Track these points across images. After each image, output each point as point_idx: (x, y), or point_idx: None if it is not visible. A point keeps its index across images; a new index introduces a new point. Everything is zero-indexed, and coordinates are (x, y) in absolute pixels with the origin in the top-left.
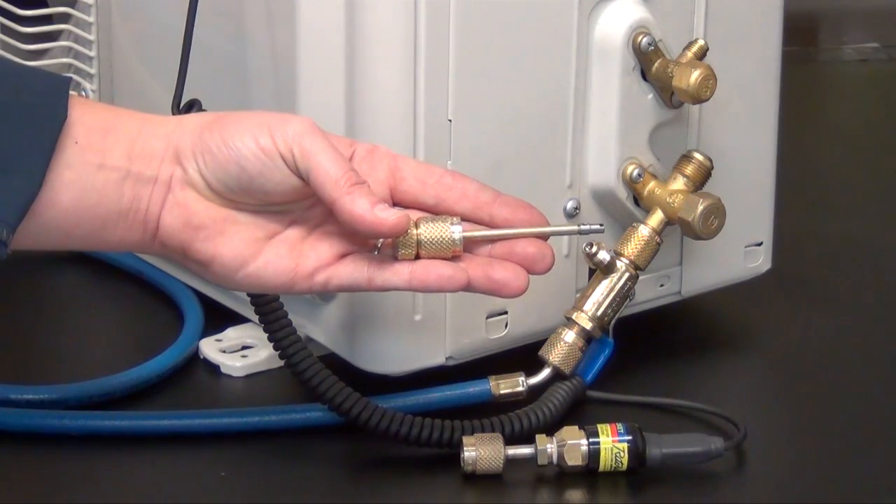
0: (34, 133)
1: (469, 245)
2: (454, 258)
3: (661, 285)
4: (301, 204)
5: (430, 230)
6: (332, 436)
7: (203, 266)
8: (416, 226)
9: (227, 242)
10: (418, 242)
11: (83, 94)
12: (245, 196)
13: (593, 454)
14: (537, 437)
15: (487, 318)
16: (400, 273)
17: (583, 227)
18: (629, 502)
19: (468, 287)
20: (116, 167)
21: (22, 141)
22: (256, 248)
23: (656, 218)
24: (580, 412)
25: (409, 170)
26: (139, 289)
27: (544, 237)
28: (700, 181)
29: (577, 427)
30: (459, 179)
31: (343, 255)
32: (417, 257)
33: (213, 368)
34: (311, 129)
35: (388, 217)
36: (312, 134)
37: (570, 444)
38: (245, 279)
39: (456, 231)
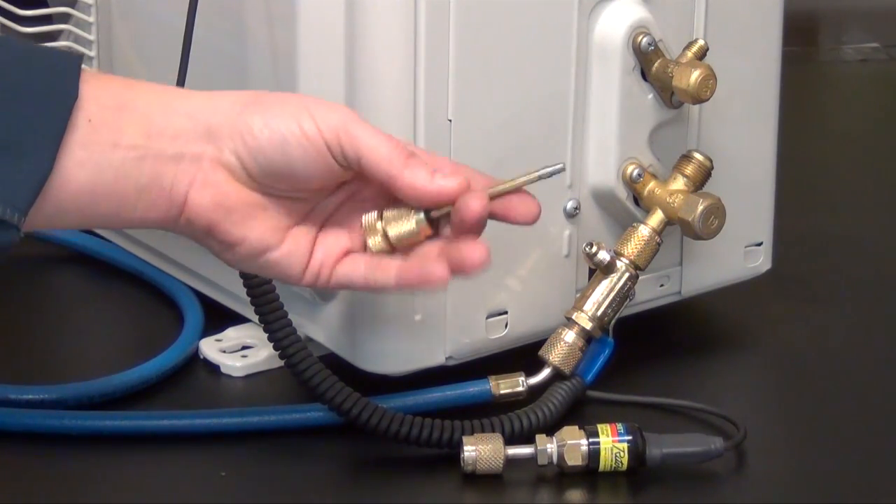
0: (44, 113)
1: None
2: (427, 239)
3: (661, 285)
4: (323, 193)
5: (394, 215)
6: (332, 436)
7: (227, 247)
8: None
9: (255, 227)
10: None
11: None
12: (279, 181)
13: (593, 454)
14: (537, 437)
15: (487, 318)
16: (388, 270)
17: (542, 171)
18: (629, 502)
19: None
20: (133, 146)
21: (32, 122)
22: (280, 237)
23: (656, 218)
24: (580, 412)
25: None
26: (139, 289)
27: (501, 194)
28: (700, 181)
29: (577, 427)
30: (461, 170)
31: (345, 253)
32: (393, 249)
33: (213, 368)
34: (354, 116)
35: (449, 184)
36: (355, 120)
37: (570, 444)
38: (265, 265)
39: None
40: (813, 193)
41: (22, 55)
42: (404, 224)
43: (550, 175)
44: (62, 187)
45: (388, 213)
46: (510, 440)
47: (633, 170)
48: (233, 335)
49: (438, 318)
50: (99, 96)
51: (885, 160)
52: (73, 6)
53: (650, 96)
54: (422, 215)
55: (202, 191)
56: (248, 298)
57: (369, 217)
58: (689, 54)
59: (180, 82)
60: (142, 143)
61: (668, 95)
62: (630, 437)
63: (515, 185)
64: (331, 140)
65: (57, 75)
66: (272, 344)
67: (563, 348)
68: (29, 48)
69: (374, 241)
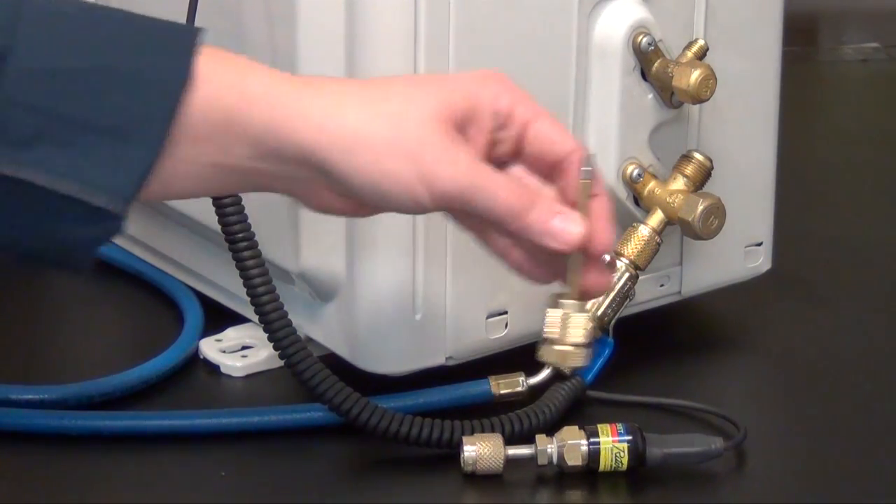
0: (155, 97)
1: None
2: None
3: (661, 285)
4: None
5: None
6: (332, 436)
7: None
8: None
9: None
10: None
11: None
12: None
13: (593, 454)
14: (537, 437)
15: (487, 318)
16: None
17: (583, 170)
18: (629, 502)
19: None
20: (237, 165)
21: (141, 106)
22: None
23: (656, 218)
24: (580, 412)
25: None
26: (139, 289)
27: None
28: (700, 181)
29: (577, 427)
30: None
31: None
32: None
33: (213, 368)
34: (477, 175)
35: (575, 232)
36: (475, 185)
37: (570, 444)
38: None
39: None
40: (813, 193)
41: (133, 28)
42: None
43: (589, 166)
44: (170, 173)
45: None
46: (510, 440)
47: (633, 170)
48: (233, 335)
49: (438, 318)
50: (213, 80)
51: (885, 160)
52: None
53: (650, 96)
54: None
55: (311, 198)
56: (248, 298)
57: None
58: (689, 54)
59: None
60: (249, 165)
61: (668, 95)
62: (630, 437)
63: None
64: (443, 207)
65: (171, 52)
66: (272, 344)
67: None
68: (141, 21)
69: None
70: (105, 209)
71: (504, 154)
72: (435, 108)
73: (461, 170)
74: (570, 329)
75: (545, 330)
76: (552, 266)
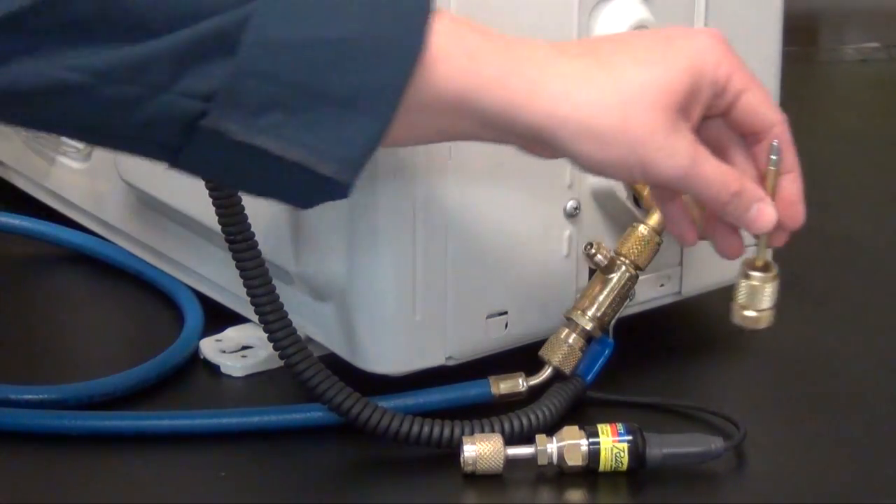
0: (388, 71)
1: None
2: None
3: (661, 285)
4: None
5: None
6: (332, 436)
7: None
8: None
9: None
10: None
11: None
12: None
13: (593, 454)
14: (537, 437)
15: (487, 318)
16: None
17: (771, 160)
18: (629, 502)
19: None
20: (464, 132)
21: (374, 79)
22: None
23: (656, 218)
24: (580, 412)
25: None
26: (139, 289)
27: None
28: None
29: (577, 427)
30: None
31: None
32: None
33: (213, 368)
34: (694, 163)
35: (770, 220)
36: (691, 166)
37: (570, 444)
38: None
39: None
40: (813, 193)
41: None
42: None
43: (776, 154)
44: (391, 135)
45: None
46: (510, 440)
47: None
48: (233, 335)
49: (438, 318)
50: (449, 59)
51: (885, 160)
52: None
53: None
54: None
55: (526, 150)
56: (248, 298)
57: None
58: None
59: None
60: (473, 133)
61: None
62: (630, 437)
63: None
64: (653, 184)
65: (404, 20)
66: (272, 344)
67: (563, 348)
68: None
69: None
70: (332, 178)
71: (710, 115)
72: (663, 94)
73: (679, 161)
74: (758, 296)
75: (738, 297)
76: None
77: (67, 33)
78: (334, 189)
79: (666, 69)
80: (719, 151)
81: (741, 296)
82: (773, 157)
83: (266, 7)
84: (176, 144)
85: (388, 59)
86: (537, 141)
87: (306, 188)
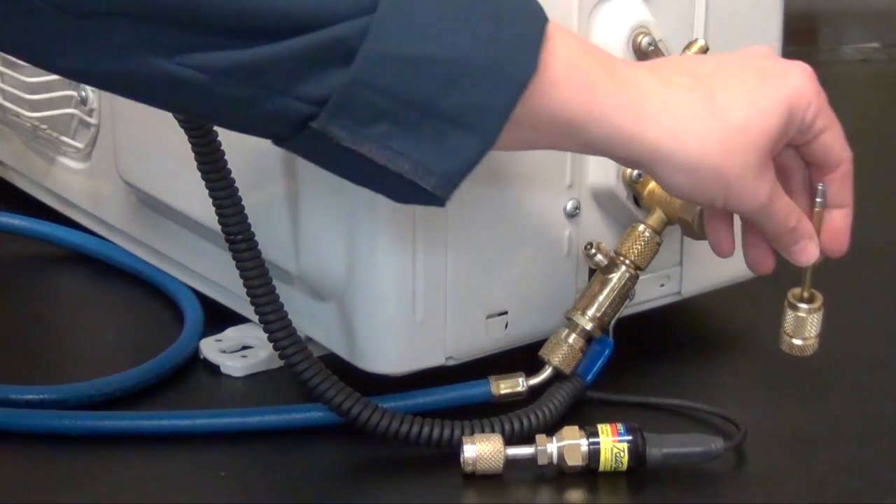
0: (499, 92)
1: None
2: None
3: (661, 285)
4: None
5: None
6: (332, 436)
7: None
8: None
9: None
10: None
11: (82, 93)
12: None
13: (593, 454)
14: (537, 437)
15: (487, 318)
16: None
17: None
18: (629, 502)
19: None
20: (564, 147)
21: (485, 98)
22: None
23: (656, 218)
24: (580, 412)
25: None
26: (139, 289)
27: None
28: None
29: (577, 427)
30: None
31: None
32: None
33: (213, 368)
34: (769, 199)
35: (812, 256)
36: (767, 204)
37: (570, 444)
38: None
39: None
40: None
41: (484, 14)
42: None
43: (822, 198)
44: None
45: None
46: (510, 440)
47: (632, 170)
48: (233, 335)
49: (438, 318)
50: (564, 87)
51: (885, 160)
52: None
53: None
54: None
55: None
56: (248, 298)
57: None
58: (689, 54)
59: None
60: (569, 148)
61: None
62: (630, 437)
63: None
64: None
65: (518, 47)
66: (272, 344)
67: (563, 348)
68: (493, 5)
69: None
70: (431, 191)
71: (788, 145)
72: (761, 137)
73: (759, 199)
74: (805, 326)
75: (785, 327)
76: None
77: (186, 30)
78: (431, 198)
79: (765, 112)
80: (783, 174)
81: (788, 326)
82: (819, 200)
83: (385, 20)
84: (283, 136)
85: (501, 81)
86: (632, 164)
87: (403, 192)
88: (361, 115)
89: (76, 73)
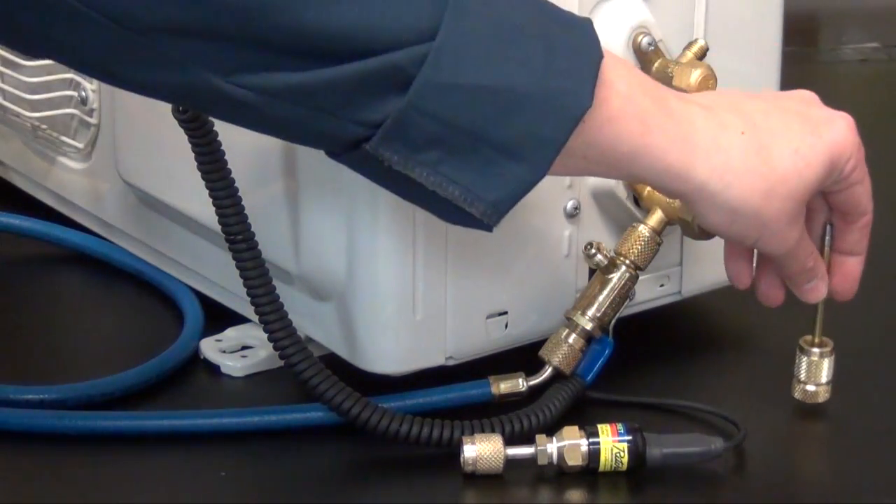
0: (552, 124)
1: None
2: None
3: (661, 285)
4: None
5: None
6: (332, 436)
7: None
8: None
9: None
10: None
11: (82, 94)
12: None
13: (593, 454)
14: (537, 437)
15: (487, 318)
16: None
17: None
18: (629, 502)
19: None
20: (606, 175)
21: (538, 129)
22: None
23: (656, 218)
24: (580, 412)
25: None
26: (139, 289)
27: None
28: None
29: (577, 427)
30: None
31: None
32: None
33: (213, 368)
34: (796, 244)
35: (820, 296)
36: (793, 248)
37: (570, 444)
38: None
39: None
40: None
41: (542, 46)
42: None
43: (831, 237)
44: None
45: None
46: (510, 440)
47: None
48: (233, 335)
49: (438, 318)
50: (620, 122)
51: (885, 160)
52: None
53: None
54: None
55: None
56: (248, 298)
57: None
58: (689, 54)
59: None
60: (616, 176)
61: None
62: (630, 437)
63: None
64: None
65: (574, 78)
66: (272, 344)
67: (563, 348)
68: (552, 38)
69: None
70: (478, 218)
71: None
72: (801, 186)
73: (788, 244)
74: (817, 371)
75: (798, 373)
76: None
77: (243, 48)
78: (478, 224)
79: (809, 163)
80: (808, 215)
81: (801, 372)
82: (828, 239)
83: (443, 48)
84: (336, 152)
85: (556, 113)
86: (676, 197)
87: (452, 215)
88: (414, 140)
89: (143, 87)
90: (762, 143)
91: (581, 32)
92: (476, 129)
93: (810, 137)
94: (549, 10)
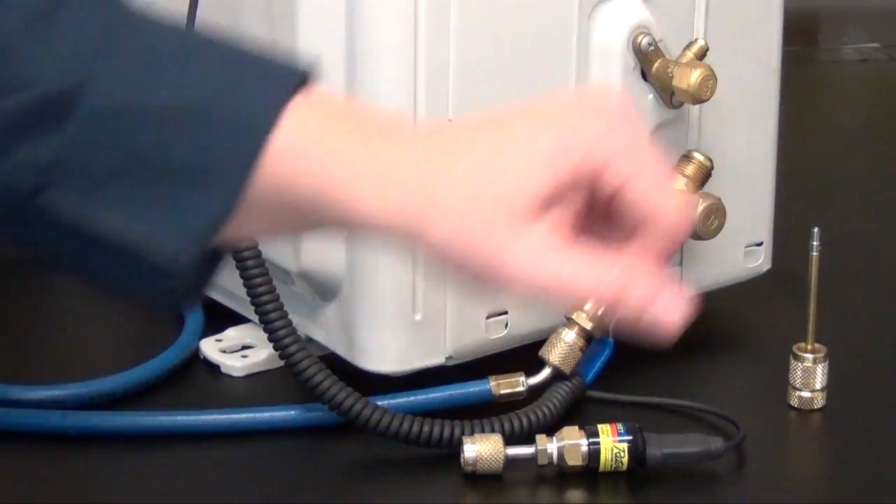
0: (237, 142)
1: None
2: None
3: None
4: None
5: None
6: (332, 436)
7: None
8: None
9: None
10: None
11: None
12: None
13: (593, 454)
14: (537, 437)
15: (487, 318)
16: None
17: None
18: (629, 502)
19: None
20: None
21: (221, 149)
22: None
23: None
24: (580, 412)
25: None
26: None
27: None
28: (700, 181)
29: (577, 427)
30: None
31: None
32: None
33: (213, 368)
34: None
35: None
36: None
37: (570, 444)
38: None
39: None
40: (813, 193)
41: (225, 66)
42: None
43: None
44: (242, 220)
45: None
46: (510, 440)
47: None
48: (233, 335)
49: (438, 318)
50: (306, 124)
51: (885, 160)
52: None
53: (650, 96)
54: None
55: None
56: (248, 298)
57: None
58: (689, 54)
59: None
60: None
61: (669, 95)
62: (630, 437)
63: None
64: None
65: (259, 97)
66: (272, 344)
67: (563, 348)
68: (237, 58)
69: None
70: (163, 266)
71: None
72: (520, 211)
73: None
74: (812, 377)
75: (792, 380)
76: None
77: None
78: (169, 297)
79: (537, 173)
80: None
81: (795, 379)
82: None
83: (104, 71)
84: (16, 224)
85: (239, 134)
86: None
87: (141, 285)
88: (80, 184)
89: None
90: (472, 155)
91: (278, 64)
92: (149, 158)
93: (540, 128)
94: (239, 43)
